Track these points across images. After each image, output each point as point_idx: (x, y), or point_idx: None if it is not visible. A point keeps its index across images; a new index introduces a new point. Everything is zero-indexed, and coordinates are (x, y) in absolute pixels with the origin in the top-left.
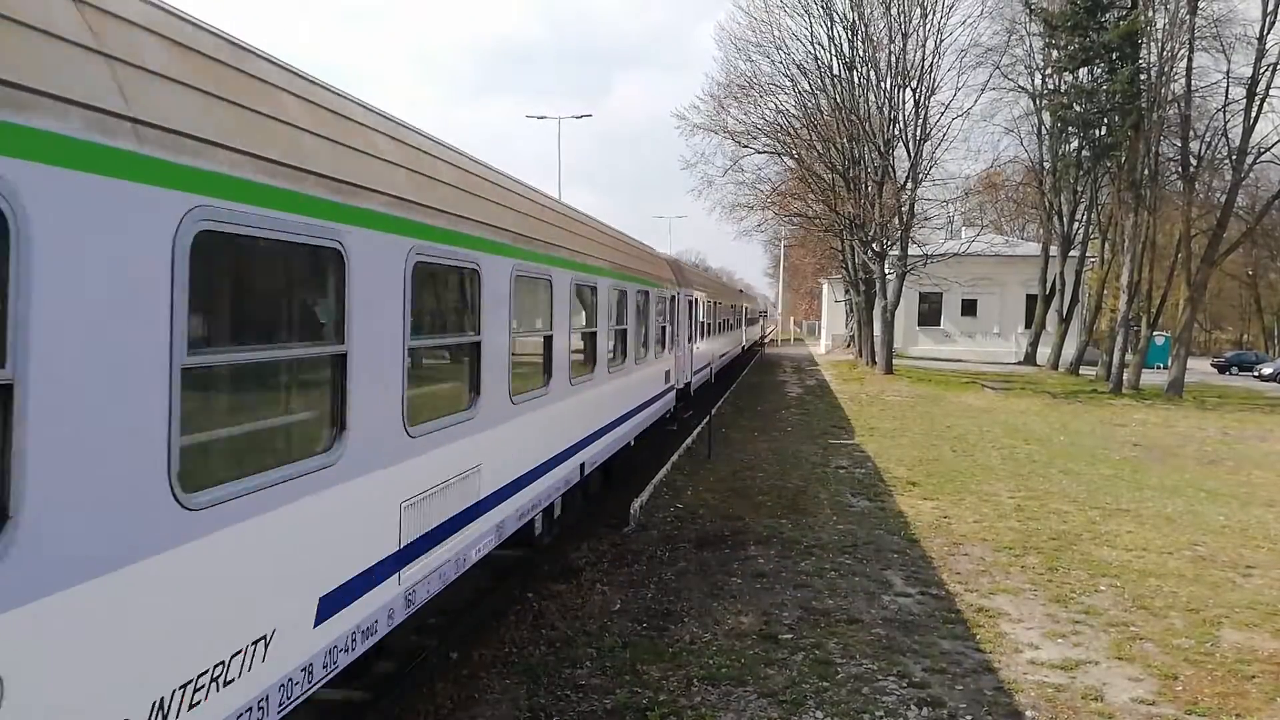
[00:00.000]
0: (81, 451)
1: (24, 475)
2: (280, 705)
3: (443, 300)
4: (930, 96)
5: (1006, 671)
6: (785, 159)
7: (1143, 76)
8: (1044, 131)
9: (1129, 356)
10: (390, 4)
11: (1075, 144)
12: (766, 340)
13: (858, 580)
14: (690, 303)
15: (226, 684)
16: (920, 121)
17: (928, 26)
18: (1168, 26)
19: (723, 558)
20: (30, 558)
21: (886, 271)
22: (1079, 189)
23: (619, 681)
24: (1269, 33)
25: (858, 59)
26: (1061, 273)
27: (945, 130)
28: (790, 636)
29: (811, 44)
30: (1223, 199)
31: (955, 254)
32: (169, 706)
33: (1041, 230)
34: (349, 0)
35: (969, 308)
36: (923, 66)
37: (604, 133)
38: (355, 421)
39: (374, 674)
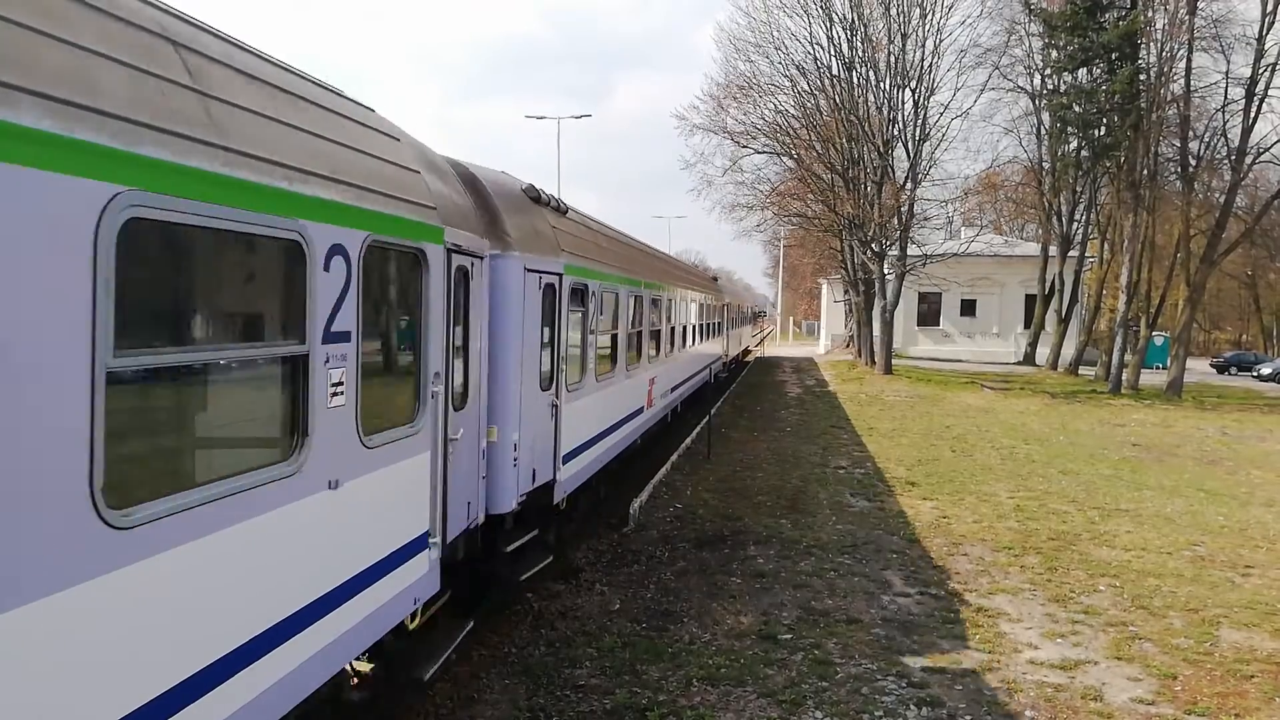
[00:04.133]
0: None
1: None
2: None
3: None
4: (929, 97)
5: (1006, 671)
6: (784, 159)
7: (1142, 77)
8: (1043, 131)
9: (1128, 356)
10: (390, 3)
11: (1075, 144)
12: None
13: (857, 580)
14: None
15: None
16: (919, 122)
17: (927, 27)
18: (1167, 27)
19: (722, 558)
20: None
21: (886, 272)
22: (1078, 189)
23: (618, 681)
24: (1268, 33)
25: (857, 59)
26: (1061, 273)
27: (944, 130)
28: (790, 636)
29: (811, 44)
30: (1222, 199)
31: (954, 254)
32: None
33: (1041, 230)
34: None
35: (968, 308)
36: (922, 67)
37: (604, 133)
38: None
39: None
